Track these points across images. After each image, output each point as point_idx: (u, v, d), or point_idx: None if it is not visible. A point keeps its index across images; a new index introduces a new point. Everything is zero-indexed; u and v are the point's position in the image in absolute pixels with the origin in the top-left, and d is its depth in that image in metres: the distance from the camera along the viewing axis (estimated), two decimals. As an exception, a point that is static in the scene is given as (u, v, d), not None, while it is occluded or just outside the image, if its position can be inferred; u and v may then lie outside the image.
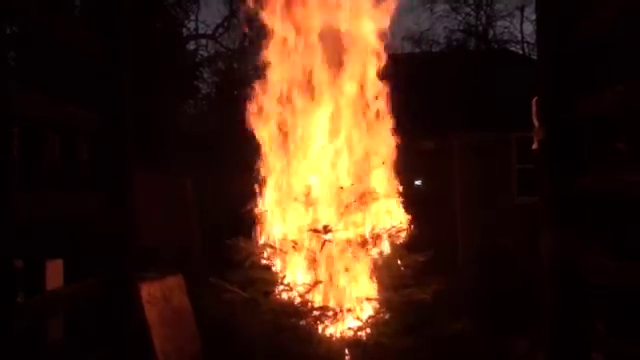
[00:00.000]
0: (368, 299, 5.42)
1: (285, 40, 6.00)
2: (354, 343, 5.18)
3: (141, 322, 5.42)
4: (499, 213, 12.15)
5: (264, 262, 5.74)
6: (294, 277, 5.59)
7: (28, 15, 2.50)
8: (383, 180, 5.93)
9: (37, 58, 3.85)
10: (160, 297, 5.88)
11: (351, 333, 5.23)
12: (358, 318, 5.32)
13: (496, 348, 5.61)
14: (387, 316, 5.33)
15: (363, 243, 5.57)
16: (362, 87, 5.97)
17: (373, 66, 5.98)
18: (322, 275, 5.49)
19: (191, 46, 19.03)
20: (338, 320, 5.28)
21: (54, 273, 4.04)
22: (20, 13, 2.46)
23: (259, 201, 5.92)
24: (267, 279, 5.59)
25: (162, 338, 5.74)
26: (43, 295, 3.43)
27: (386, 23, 5.99)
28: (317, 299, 5.42)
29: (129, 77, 3.19)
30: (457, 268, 10.26)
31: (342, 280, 5.49)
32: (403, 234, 5.83)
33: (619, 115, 2.64)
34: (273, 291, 5.49)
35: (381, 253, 5.69)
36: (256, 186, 5.95)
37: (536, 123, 3.13)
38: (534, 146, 3.17)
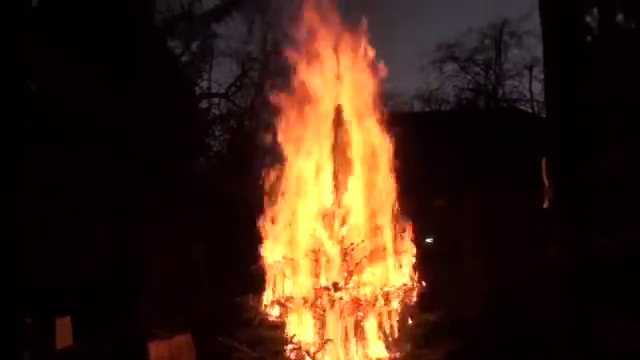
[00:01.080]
0: (379, 359, 5.34)
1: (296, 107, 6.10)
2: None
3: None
4: (512, 272, 12.02)
5: (273, 320, 5.69)
6: (304, 336, 5.52)
7: (48, 74, 2.55)
8: (394, 237, 5.91)
9: (54, 116, 3.90)
10: (168, 357, 5.83)
11: (362, 394, 5.14)
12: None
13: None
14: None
15: (373, 301, 5.52)
16: (373, 145, 6.01)
17: (383, 125, 6.03)
18: (332, 334, 5.42)
19: (203, 104, 19.26)
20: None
21: (63, 330, 4.01)
22: (39, 71, 2.52)
23: (269, 258, 5.90)
24: (276, 338, 5.52)
25: (170, 398, 5.66)
26: (52, 353, 3.41)
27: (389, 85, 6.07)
28: (327, 359, 5.34)
29: (142, 138, 3.24)
30: (469, 328, 10.10)
31: (352, 339, 5.42)
32: (414, 292, 5.78)
33: (625, 175, 2.64)
34: (283, 350, 5.42)
35: (392, 312, 5.62)
36: (266, 243, 5.94)
37: (546, 182, 3.14)
38: (545, 205, 3.17)
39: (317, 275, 5.66)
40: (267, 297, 5.80)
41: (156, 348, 5.72)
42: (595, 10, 3.25)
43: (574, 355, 2.88)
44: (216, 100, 19.76)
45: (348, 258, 5.67)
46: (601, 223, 2.86)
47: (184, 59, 17.70)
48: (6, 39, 2.27)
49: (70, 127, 3.69)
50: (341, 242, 5.76)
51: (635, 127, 2.61)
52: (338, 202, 5.97)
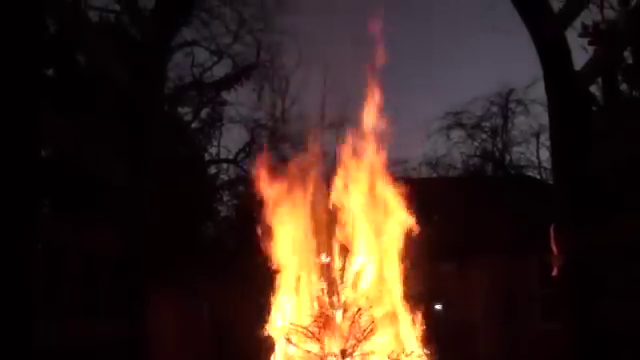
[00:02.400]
0: None
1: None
2: None
3: None
4: (524, 339, 11.84)
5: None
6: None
7: (60, 142, 2.60)
8: (402, 304, 5.86)
9: (61, 183, 3.96)
10: None
11: None
12: None
13: None
14: None
15: (382, 370, 5.44)
16: (379, 210, 6.02)
17: (392, 191, 6.06)
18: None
19: (212, 170, 19.40)
20: None
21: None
22: (53, 139, 2.56)
23: (275, 325, 5.84)
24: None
25: None
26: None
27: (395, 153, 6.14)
28: None
29: (150, 204, 3.26)
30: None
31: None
32: (424, 359, 5.69)
33: (634, 243, 2.64)
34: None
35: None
36: (272, 310, 5.90)
37: (555, 250, 3.13)
38: (554, 272, 3.16)
39: (324, 341, 5.59)
40: (274, 364, 5.72)
41: (160, 417, 5.60)
42: (599, 80, 3.31)
43: None
44: (225, 166, 19.93)
45: (356, 325, 5.60)
46: (612, 291, 2.84)
47: (194, 125, 17.94)
48: (20, 103, 2.32)
49: (79, 193, 3.73)
50: (348, 308, 5.71)
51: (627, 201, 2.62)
52: (344, 268, 5.95)
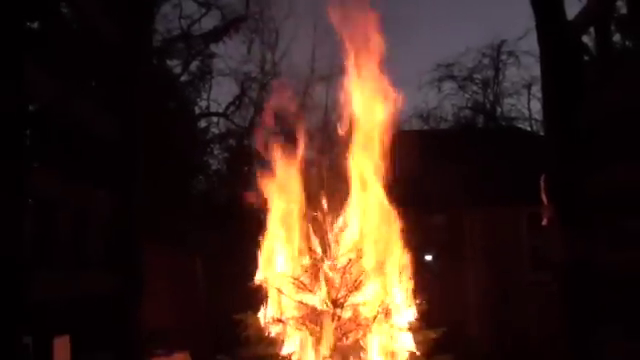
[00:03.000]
0: (379, 378, 5.32)
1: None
2: None
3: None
4: (512, 289, 12.01)
5: (272, 338, 5.67)
6: (304, 353, 5.50)
7: (47, 96, 2.57)
8: (393, 255, 5.90)
9: (51, 137, 3.93)
10: (167, 375, 5.80)
11: (362, 414, 5.11)
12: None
13: None
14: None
15: (373, 318, 5.51)
16: (371, 161, 6.03)
17: (382, 142, 6.05)
18: (331, 351, 5.40)
19: (202, 124, 19.34)
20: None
21: (62, 350, 4.00)
22: (41, 96, 2.54)
23: (268, 276, 5.90)
24: (275, 356, 5.51)
25: (169, 418, 5.63)
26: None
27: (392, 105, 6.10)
28: (327, 377, 5.32)
29: (142, 158, 3.25)
30: (469, 345, 10.06)
31: (352, 356, 5.40)
32: (414, 310, 5.77)
33: (626, 191, 2.65)
34: (282, 368, 5.41)
35: (392, 329, 5.61)
36: (264, 260, 5.96)
37: (545, 200, 3.15)
38: (544, 222, 3.18)
39: (316, 292, 5.65)
40: (266, 314, 5.79)
41: (155, 367, 5.69)
42: (592, 30, 3.28)
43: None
44: (215, 119, 19.85)
45: (347, 275, 5.66)
46: (602, 240, 2.87)
47: (183, 79, 17.81)
48: (5, 59, 2.29)
49: (68, 147, 3.70)
50: (339, 260, 5.76)
51: (634, 143, 2.62)
52: (335, 221, 5.98)
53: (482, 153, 14.04)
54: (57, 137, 3.75)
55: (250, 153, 18.87)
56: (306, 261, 5.84)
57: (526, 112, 23.77)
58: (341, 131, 6.09)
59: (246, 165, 17.40)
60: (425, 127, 23.11)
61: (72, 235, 3.81)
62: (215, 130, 19.67)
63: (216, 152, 19.44)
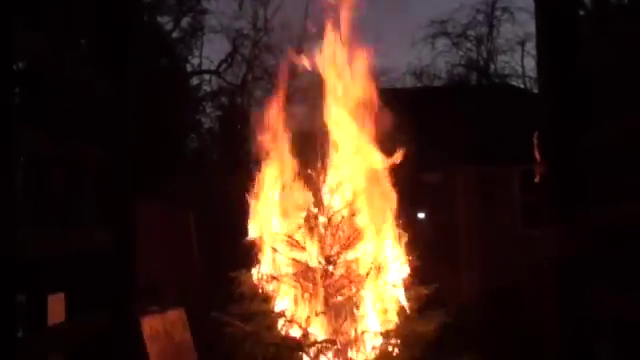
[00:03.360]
0: (372, 332, 5.38)
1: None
2: (358, 378, 5.13)
3: (143, 357, 5.39)
4: (503, 246, 12.12)
5: (266, 294, 5.72)
6: (296, 309, 5.55)
7: (35, 53, 2.53)
8: (386, 212, 5.92)
9: (41, 94, 3.89)
10: (162, 332, 5.86)
11: (354, 368, 5.18)
12: (362, 351, 5.27)
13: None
14: (391, 349, 5.29)
15: (366, 275, 5.55)
16: (364, 119, 6.00)
17: (375, 98, 6.02)
18: (324, 307, 5.45)
19: (194, 81, 19.21)
20: (341, 354, 5.24)
21: (56, 308, 4.02)
22: (29, 52, 2.50)
23: (261, 233, 5.92)
24: (269, 312, 5.56)
25: (164, 373, 5.70)
26: (44, 331, 3.42)
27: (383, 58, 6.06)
28: (320, 332, 5.38)
29: (133, 114, 3.23)
30: (461, 301, 10.18)
31: (345, 312, 5.45)
32: (406, 266, 5.81)
33: (621, 147, 2.65)
34: (275, 324, 5.46)
35: (384, 285, 5.66)
36: (258, 218, 5.97)
37: (538, 157, 3.15)
38: (536, 179, 3.18)
39: (309, 250, 5.68)
40: (259, 271, 5.82)
41: (149, 323, 5.74)
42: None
43: (563, 325, 2.91)
44: (207, 77, 19.72)
45: (340, 233, 5.69)
46: (595, 196, 2.88)
47: (174, 36, 17.62)
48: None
49: (59, 104, 3.67)
50: (332, 217, 5.78)
51: (628, 98, 2.61)
52: (328, 179, 5.98)
53: (475, 111, 14.02)
54: (48, 94, 3.72)
55: (243, 111, 18.83)
56: (299, 219, 5.85)
57: (520, 69, 23.71)
58: (330, 88, 6.06)
59: (239, 123, 17.34)
60: (418, 84, 23.04)
61: (65, 192, 3.80)
62: (207, 88, 19.57)
63: (208, 110, 19.37)
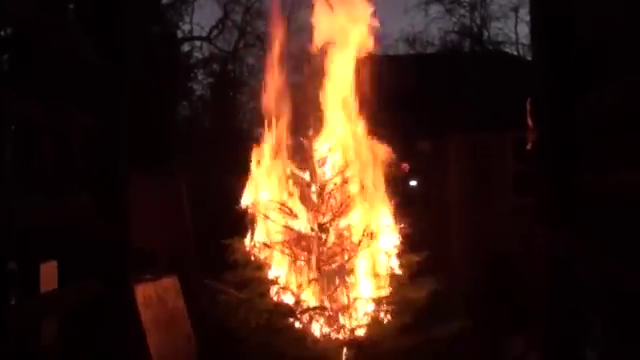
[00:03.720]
0: (364, 299, 5.42)
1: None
2: (350, 343, 5.18)
3: (136, 324, 5.41)
4: (495, 214, 12.15)
5: (259, 262, 5.74)
6: (289, 277, 5.59)
7: (24, 19, 2.49)
8: (378, 181, 5.93)
9: (31, 60, 3.84)
10: (155, 299, 5.88)
11: (347, 333, 5.23)
12: (354, 318, 5.32)
13: (492, 348, 5.62)
14: (383, 316, 5.34)
15: (358, 242, 5.57)
16: (355, 86, 5.97)
17: (367, 66, 5.98)
18: (317, 274, 5.49)
19: (185, 48, 19.03)
20: (333, 320, 5.28)
21: (48, 275, 4.02)
22: (16, 17, 2.46)
23: (253, 200, 5.92)
24: (262, 279, 5.59)
25: (157, 340, 5.73)
26: (37, 297, 3.42)
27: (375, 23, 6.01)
28: (312, 299, 5.42)
29: (125, 81, 3.19)
30: (452, 269, 10.25)
31: (337, 279, 5.49)
32: (398, 234, 5.84)
33: (616, 114, 2.64)
34: (268, 291, 5.49)
35: (376, 252, 5.69)
36: (251, 185, 5.97)
37: (530, 124, 3.15)
38: (528, 146, 3.19)
39: (301, 217, 5.69)
40: (252, 239, 5.84)
41: (143, 291, 5.75)
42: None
43: (553, 292, 2.93)
44: (198, 43, 19.54)
45: (333, 200, 5.70)
46: (588, 163, 2.88)
47: (165, 1, 17.40)
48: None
49: (49, 71, 3.63)
50: (324, 185, 5.78)
51: (621, 64, 2.60)
52: (321, 146, 5.97)
53: (468, 78, 13.97)
54: (37, 61, 3.67)
55: (235, 78, 18.71)
56: (292, 186, 5.85)
57: (513, 36, 23.61)
58: (321, 57, 6.01)
59: (231, 90, 17.24)
60: (411, 51, 22.93)
61: (56, 160, 3.77)
62: (198, 55, 19.41)
63: (200, 77, 19.24)
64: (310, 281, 5.42)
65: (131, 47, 3.32)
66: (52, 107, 2.72)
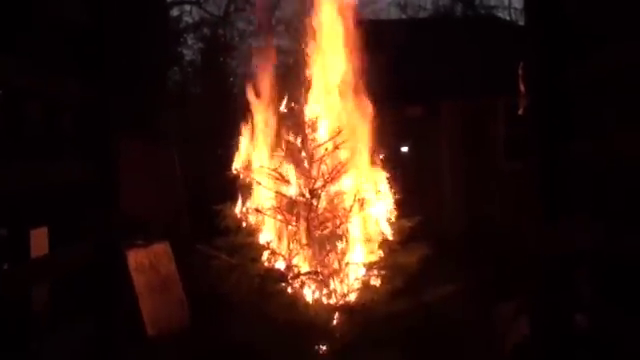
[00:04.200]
0: (355, 264, 5.44)
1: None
2: (341, 308, 5.21)
3: (128, 289, 5.44)
4: (486, 179, 12.18)
5: (251, 228, 5.75)
6: (281, 242, 5.60)
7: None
8: (369, 146, 5.91)
9: (19, 24, 3.79)
10: (147, 265, 5.90)
11: (338, 298, 5.26)
12: (345, 283, 5.34)
13: (482, 313, 5.66)
14: (374, 281, 5.36)
15: (350, 208, 5.57)
16: (346, 52, 5.91)
17: (358, 30, 5.92)
18: (308, 240, 5.49)
19: (175, 12, 18.79)
20: (324, 285, 5.31)
21: (39, 241, 4.01)
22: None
23: (244, 166, 5.91)
24: (253, 245, 5.60)
25: (150, 305, 5.76)
26: (28, 262, 3.42)
27: None
28: (303, 264, 5.44)
29: (114, 45, 3.15)
30: (444, 234, 10.31)
31: (328, 245, 5.49)
32: (390, 199, 5.84)
33: (609, 79, 2.62)
34: (260, 257, 5.50)
35: (367, 218, 5.69)
36: (242, 151, 5.95)
37: (522, 89, 3.13)
38: (520, 112, 3.18)
39: (292, 183, 5.68)
40: (244, 205, 5.84)
41: (134, 256, 5.77)
42: None
43: (541, 261, 2.95)
44: (188, 7, 19.31)
45: (324, 166, 5.68)
46: (580, 130, 2.87)
47: (154, -37, 17.11)
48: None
49: (38, 36, 3.58)
50: (315, 151, 5.76)
51: (614, 29, 2.58)
52: (311, 112, 5.94)
53: (460, 43, 13.87)
54: (25, 26, 3.62)
55: (225, 43, 18.54)
56: (283, 152, 5.83)
57: (506, 1, 23.42)
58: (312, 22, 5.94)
59: (221, 55, 17.09)
60: (403, 16, 22.73)
61: (44, 125, 3.74)
62: (188, 19, 19.18)
63: (190, 42, 19.04)
64: (302, 247, 5.43)
65: (118, 8, 3.27)
66: (41, 71, 2.69)
